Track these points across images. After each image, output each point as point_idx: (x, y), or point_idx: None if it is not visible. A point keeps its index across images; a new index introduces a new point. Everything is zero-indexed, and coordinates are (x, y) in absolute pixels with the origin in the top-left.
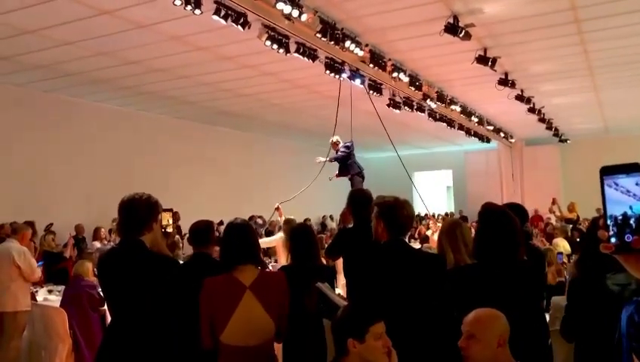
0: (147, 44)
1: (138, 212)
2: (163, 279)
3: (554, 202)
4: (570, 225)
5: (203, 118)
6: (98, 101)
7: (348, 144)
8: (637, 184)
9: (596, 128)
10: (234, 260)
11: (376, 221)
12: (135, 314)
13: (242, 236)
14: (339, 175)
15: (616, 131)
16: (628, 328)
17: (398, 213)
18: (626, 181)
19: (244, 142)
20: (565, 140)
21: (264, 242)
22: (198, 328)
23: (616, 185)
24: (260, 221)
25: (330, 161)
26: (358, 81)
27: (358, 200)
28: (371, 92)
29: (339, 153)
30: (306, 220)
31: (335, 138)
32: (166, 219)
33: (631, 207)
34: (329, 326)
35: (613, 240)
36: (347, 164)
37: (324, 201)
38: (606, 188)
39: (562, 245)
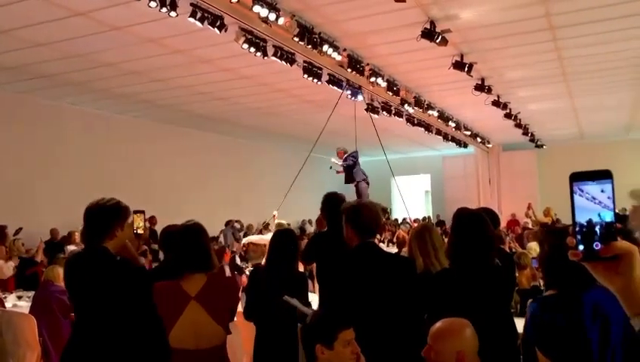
0: (122, 46)
1: (100, 219)
2: (124, 284)
3: (529, 207)
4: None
5: (179, 121)
6: (72, 104)
7: (354, 153)
8: (602, 191)
9: (571, 134)
10: (183, 267)
11: (345, 226)
12: (97, 319)
13: (193, 241)
14: (346, 182)
15: (591, 137)
16: (530, 327)
17: (363, 214)
18: (592, 188)
19: (221, 146)
20: (541, 145)
21: (259, 238)
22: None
23: (582, 191)
24: (237, 225)
25: (342, 167)
26: (360, 98)
27: (331, 204)
28: (351, 97)
29: (348, 161)
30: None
31: (342, 147)
32: (138, 220)
33: (598, 215)
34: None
35: (581, 247)
36: (353, 172)
37: (304, 205)
38: (575, 194)
39: (535, 249)
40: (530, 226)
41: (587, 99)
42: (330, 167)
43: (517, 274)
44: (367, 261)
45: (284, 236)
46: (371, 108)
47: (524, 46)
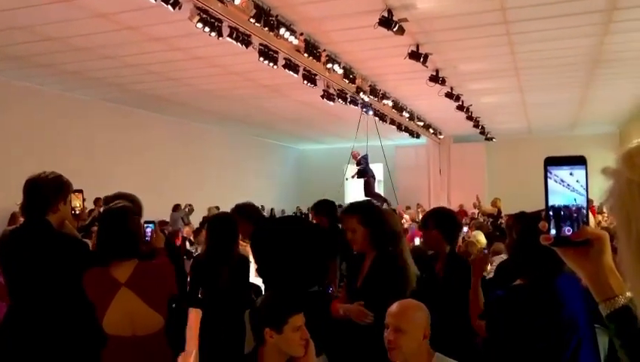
0: (69, 20)
1: (43, 191)
2: (69, 261)
3: (477, 198)
4: (491, 220)
5: (129, 100)
6: (15, 79)
7: (365, 156)
8: (571, 174)
9: (519, 128)
10: (109, 253)
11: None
12: (36, 298)
13: (119, 226)
14: (359, 177)
15: (539, 131)
16: (497, 316)
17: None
18: (566, 173)
19: (173, 128)
20: (491, 138)
21: None
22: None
23: (555, 175)
24: (187, 210)
25: (359, 172)
26: (370, 113)
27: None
28: (306, 82)
29: (362, 164)
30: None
31: (355, 151)
32: (76, 200)
33: (574, 199)
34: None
35: (552, 232)
36: (365, 170)
37: (256, 190)
38: (548, 178)
39: (479, 239)
40: (479, 217)
41: (537, 94)
42: (347, 179)
43: None
44: None
45: (221, 221)
46: (327, 96)
47: (479, 39)
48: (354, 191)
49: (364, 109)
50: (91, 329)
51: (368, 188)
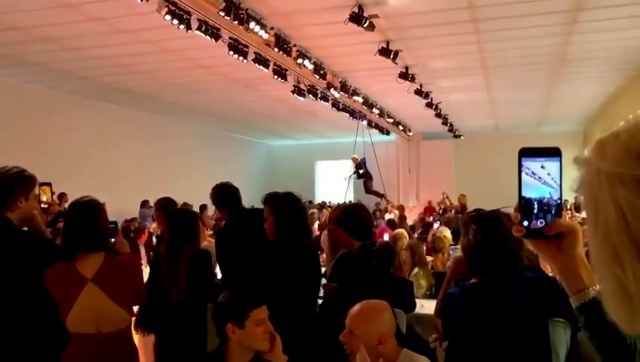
0: (34, 9)
1: (1, 187)
2: (28, 258)
3: (444, 194)
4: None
5: (95, 93)
6: None
7: (364, 159)
8: (542, 167)
9: (487, 125)
10: (76, 247)
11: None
12: None
13: (86, 219)
14: (359, 177)
15: (505, 129)
16: (451, 313)
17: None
18: (535, 164)
19: (140, 123)
20: (459, 136)
21: None
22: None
23: (526, 167)
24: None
25: (360, 176)
26: (364, 122)
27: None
28: (276, 77)
29: (363, 168)
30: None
31: (355, 155)
32: (44, 194)
33: (543, 191)
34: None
35: (525, 223)
36: (364, 172)
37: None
38: (522, 170)
39: (445, 234)
40: (442, 213)
41: (504, 92)
42: (345, 178)
43: (432, 258)
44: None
45: (181, 216)
46: (297, 91)
47: (448, 36)
48: (324, 187)
49: (360, 119)
50: (53, 329)
51: (367, 186)
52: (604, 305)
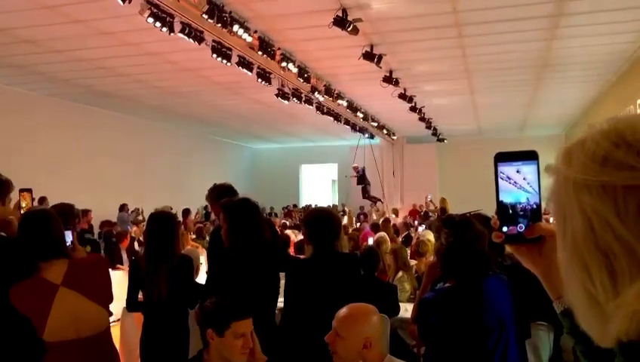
0: (15, 10)
1: None
2: (4, 265)
3: (426, 199)
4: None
5: (77, 96)
6: None
7: (363, 168)
8: (518, 171)
9: (470, 129)
10: (36, 257)
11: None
12: None
13: (42, 228)
14: (358, 184)
15: (488, 133)
16: (427, 316)
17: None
18: (510, 168)
19: (122, 126)
20: (443, 140)
21: None
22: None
23: (501, 172)
24: (135, 213)
25: (358, 180)
26: (366, 136)
27: (223, 192)
28: (260, 80)
29: (360, 172)
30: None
31: (355, 164)
32: (25, 200)
33: (520, 196)
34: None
35: (505, 229)
36: (363, 178)
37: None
38: (498, 175)
39: (428, 238)
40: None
41: (487, 96)
42: (346, 176)
43: (416, 262)
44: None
45: (159, 220)
46: (282, 94)
47: (431, 41)
48: (308, 191)
49: (361, 133)
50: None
51: (365, 192)
52: (576, 316)
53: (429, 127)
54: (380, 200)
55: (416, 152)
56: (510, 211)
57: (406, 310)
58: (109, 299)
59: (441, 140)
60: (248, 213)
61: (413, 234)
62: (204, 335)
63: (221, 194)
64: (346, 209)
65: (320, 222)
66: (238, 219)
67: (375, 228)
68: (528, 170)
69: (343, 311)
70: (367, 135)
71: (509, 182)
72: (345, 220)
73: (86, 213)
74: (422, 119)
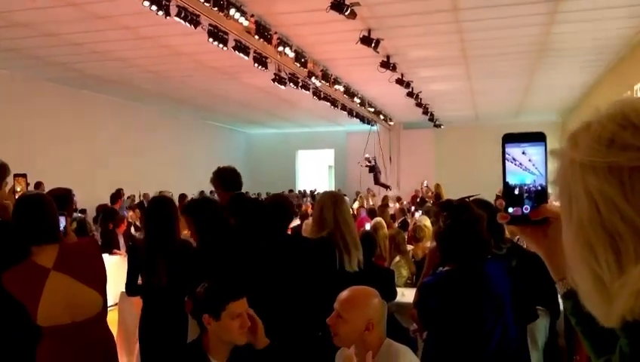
0: None
1: None
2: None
3: (422, 184)
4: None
5: (71, 81)
6: None
7: (374, 157)
8: (524, 153)
9: (467, 115)
10: (28, 241)
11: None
12: None
13: (36, 213)
14: (370, 172)
15: (485, 118)
16: (427, 300)
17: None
18: (516, 150)
19: (117, 111)
20: (439, 125)
21: None
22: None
23: (507, 153)
24: (127, 198)
25: (370, 168)
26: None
27: (228, 174)
28: (257, 65)
29: (371, 162)
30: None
31: (367, 155)
32: (19, 184)
33: (526, 177)
34: None
35: (510, 210)
36: (374, 167)
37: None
38: (505, 156)
39: (425, 223)
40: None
41: (484, 82)
42: (358, 162)
43: (413, 247)
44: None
45: (159, 205)
46: (278, 79)
47: (429, 25)
48: (305, 177)
49: (371, 124)
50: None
51: (376, 179)
52: (581, 297)
53: (425, 112)
54: (389, 186)
55: (413, 138)
56: (515, 193)
57: (403, 295)
58: (103, 282)
59: (437, 126)
60: (210, 212)
61: (409, 220)
62: (201, 322)
63: (225, 177)
64: (361, 194)
65: (275, 208)
66: (201, 219)
67: (372, 213)
68: (534, 151)
69: (345, 293)
70: (375, 124)
71: (515, 164)
72: (355, 205)
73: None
74: (419, 105)
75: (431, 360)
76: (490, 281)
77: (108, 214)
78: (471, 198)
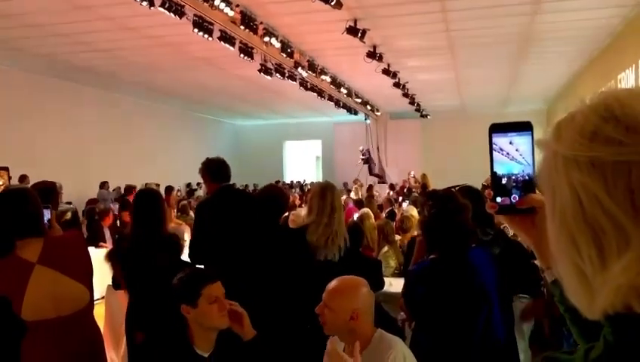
0: None
1: None
2: None
3: (409, 175)
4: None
5: (54, 72)
6: None
7: (368, 148)
8: (510, 143)
9: (454, 105)
10: (11, 235)
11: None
12: None
13: (19, 206)
14: (365, 163)
15: (471, 108)
16: (413, 290)
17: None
18: (503, 140)
19: (102, 102)
20: (426, 115)
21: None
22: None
23: (494, 143)
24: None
25: (364, 160)
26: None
27: (217, 165)
28: (242, 55)
29: (366, 155)
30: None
31: (361, 148)
32: (1, 178)
33: (513, 167)
34: None
35: (498, 199)
36: (368, 158)
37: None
38: (492, 146)
39: (412, 213)
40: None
41: (470, 71)
42: (359, 159)
43: (400, 237)
44: None
45: (145, 197)
46: (264, 70)
47: (415, 15)
48: (292, 168)
49: (366, 119)
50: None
51: (370, 170)
52: (564, 289)
53: (412, 102)
54: (382, 177)
55: (400, 128)
56: (502, 182)
57: (390, 284)
58: (89, 275)
59: (424, 116)
60: (148, 202)
61: (396, 210)
62: (180, 314)
63: (214, 168)
64: (356, 186)
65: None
66: (138, 209)
67: (359, 204)
68: (521, 140)
69: (333, 283)
70: (368, 118)
71: (501, 153)
72: (352, 195)
73: None
74: (405, 95)
75: (419, 350)
76: (474, 269)
77: (93, 208)
78: (456, 188)
